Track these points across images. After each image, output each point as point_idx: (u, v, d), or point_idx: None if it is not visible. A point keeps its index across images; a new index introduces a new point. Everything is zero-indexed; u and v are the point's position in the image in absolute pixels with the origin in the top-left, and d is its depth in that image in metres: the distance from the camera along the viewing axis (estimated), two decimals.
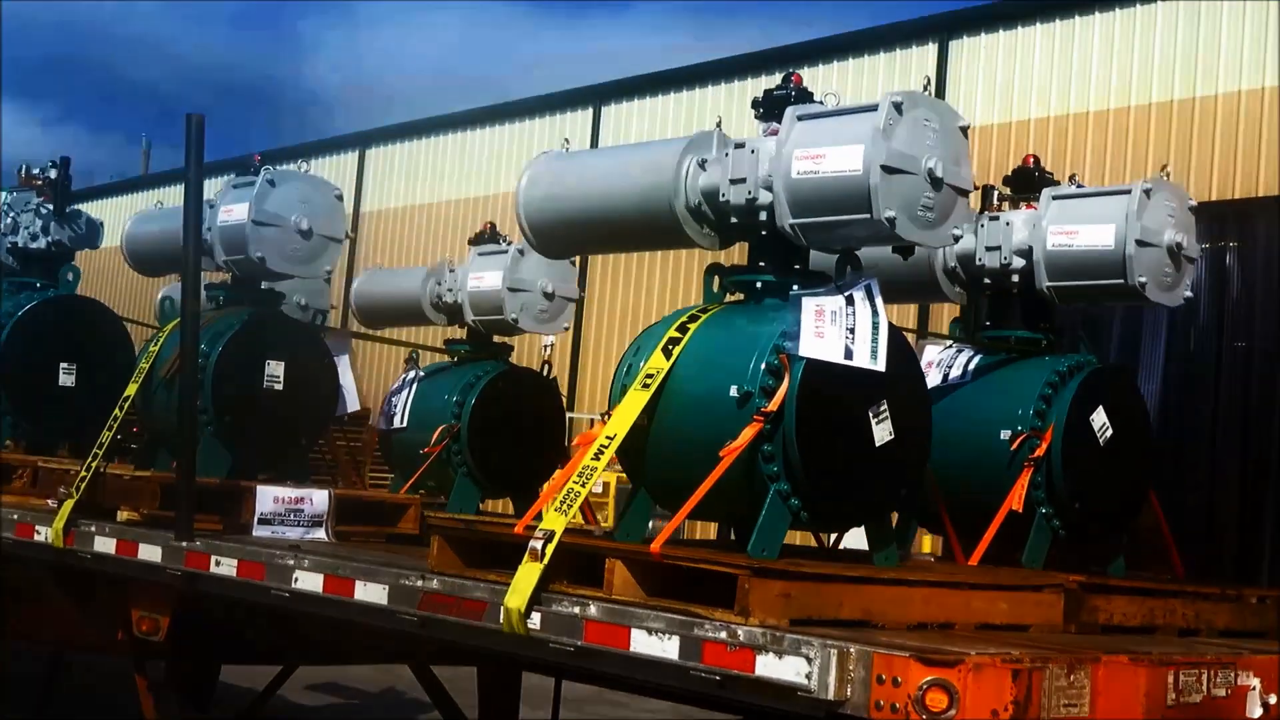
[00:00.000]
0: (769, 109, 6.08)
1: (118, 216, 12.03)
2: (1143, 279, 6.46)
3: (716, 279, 6.20)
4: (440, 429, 9.01)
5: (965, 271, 7.11)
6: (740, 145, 5.91)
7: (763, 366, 5.52)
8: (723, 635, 4.75)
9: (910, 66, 22.09)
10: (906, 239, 5.48)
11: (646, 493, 5.99)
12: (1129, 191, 6.52)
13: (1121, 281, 6.47)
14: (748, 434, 5.41)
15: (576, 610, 5.22)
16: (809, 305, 5.59)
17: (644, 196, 6.11)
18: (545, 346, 9.73)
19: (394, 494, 8.83)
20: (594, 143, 26.36)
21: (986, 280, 7.06)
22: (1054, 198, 6.78)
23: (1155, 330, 17.12)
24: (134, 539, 7.28)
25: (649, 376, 5.78)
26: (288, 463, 8.46)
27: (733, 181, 5.89)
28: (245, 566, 6.63)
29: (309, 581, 6.29)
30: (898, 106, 5.40)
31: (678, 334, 5.87)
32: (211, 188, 7.97)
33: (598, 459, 5.61)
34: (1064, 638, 5.54)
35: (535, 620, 5.31)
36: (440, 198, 29.73)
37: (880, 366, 5.52)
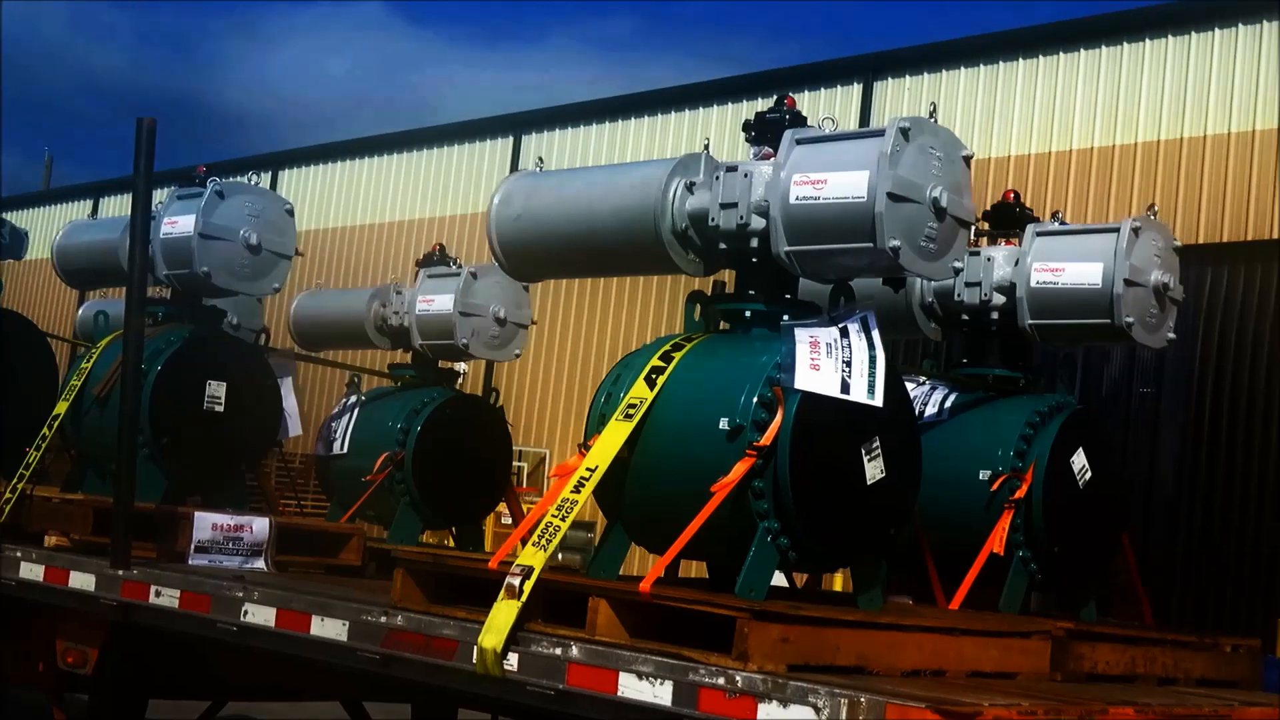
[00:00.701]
0: (761, 132, 5.86)
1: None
2: (1129, 319, 6.33)
3: (698, 307, 5.96)
4: (384, 456, 8.67)
5: (942, 307, 6.94)
6: (732, 169, 5.69)
7: (755, 399, 5.28)
8: (720, 681, 4.48)
9: (835, 104, 22.09)
10: (909, 270, 5.28)
11: (622, 528, 5.72)
12: (1117, 230, 6.39)
13: (1108, 321, 6.33)
14: (739, 469, 5.16)
15: (558, 651, 4.93)
16: (803, 336, 5.36)
17: (627, 219, 5.86)
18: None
19: (333, 523, 8.45)
20: (514, 171, 25.98)
21: (964, 316, 6.89)
22: (1038, 234, 6.64)
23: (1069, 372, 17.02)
24: (64, 566, 6.86)
25: (631, 407, 5.52)
26: (225, 489, 8.07)
27: (723, 206, 5.66)
28: (189, 598, 6.26)
29: (260, 615, 5.94)
30: (904, 133, 5.21)
31: (661, 363, 5.62)
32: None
33: (578, 491, 5.34)
34: (1057, 687, 5.35)
35: (512, 661, 5.01)
36: (354, 221, 29.24)
37: (878, 402, 5.31)
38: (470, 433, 8.94)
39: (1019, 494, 6.37)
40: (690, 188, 5.79)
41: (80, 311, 10.74)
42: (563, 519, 5.28)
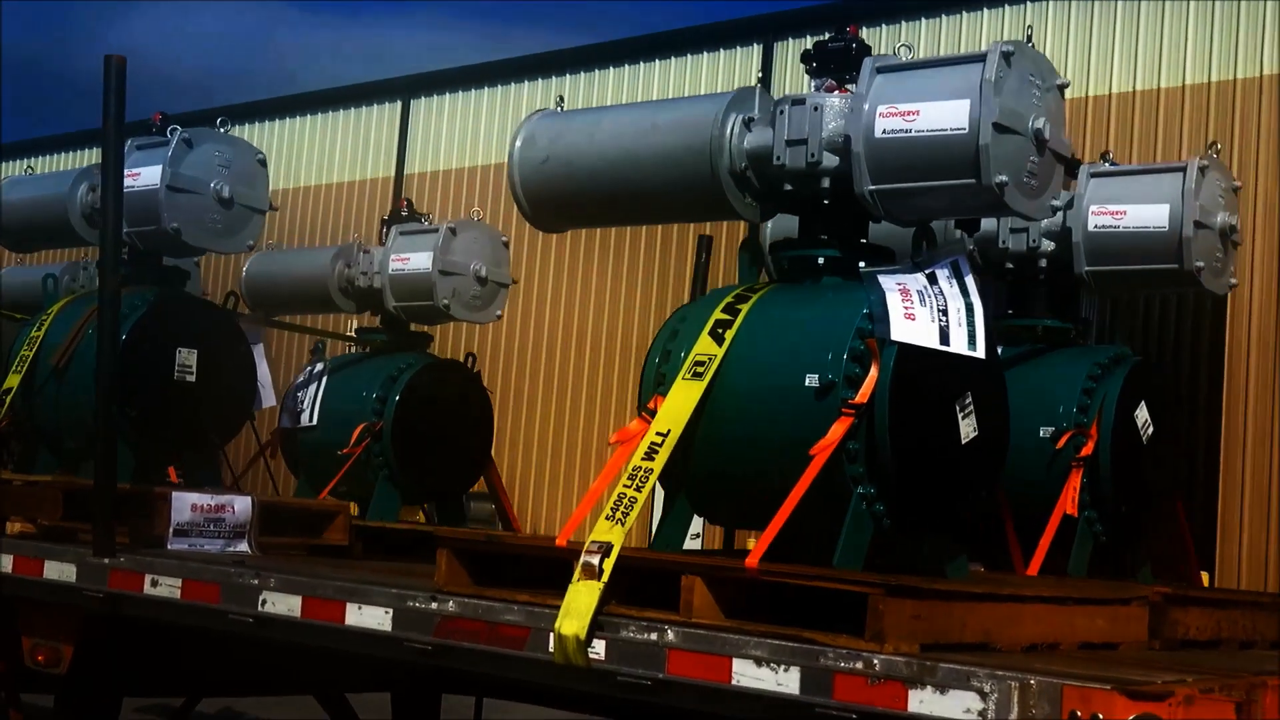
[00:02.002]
0: (824, 63, 5.37)
1: None
2: (1200, 263, 5.97)
3: (751, 255, 5.48)
4: (361, 428, 8.04)
5: (984, 256, 6.52)
6: (799, 101, 5.20)
7: (845, 353, 4.81)
8: (858, 665, 4.01)
9: (734, 67, 21.65)
10: (1012, 208, 4.82)
11: (687, 498, 5.22)
12: (1183, 169, 6.02)
13: (1176, 266, 5.96)
14: (837, 430, 4.69)
15: (652, 636, 4.42)
16: (889, 284, 4.89)
17: (678, 159, 5.35)
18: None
19: (317, 500, 7.82)
20: (402, 138, 25.09)
21: (1009, 265, 6.49)
22: (1093, 174, 6.24)
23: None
24: (37, 555, 6.18)
25: (699, 364, 5.02)
26: (197, 464, 7.40)
27: (789, 143, 5.17)
28: (194, 587, 5.63)
29: (282, 604, 5.33)
30: (1007, 57, 4.75)
31: (726, 316, 5.12)
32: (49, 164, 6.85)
33: (651, 459, 4.83)
34: (1178, 656, 4.98)
35: (598, 649, 4.49)
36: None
37: (980, 353, 4.87)
38: (450, 401, 8.35)
39: (1085, 451, 5.98)
40: (748, 124, 5.30)
41: (3, 276, 9.93)
42: (637, 489, 4.76)
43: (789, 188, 5.24)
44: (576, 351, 19.88)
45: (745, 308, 5.13)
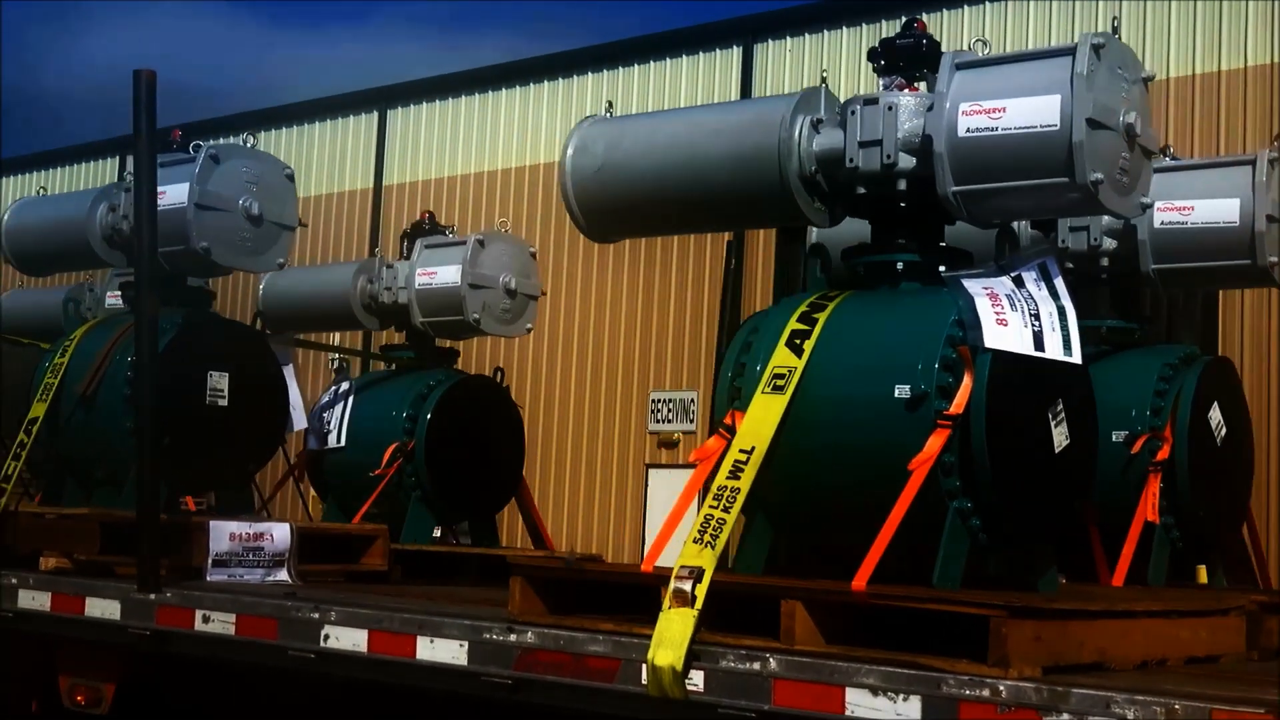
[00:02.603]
0: (892, 60, 5.18)
1: None
2: (1273, 258, 5.80)
3: (821, 262, 5.28)
4: (393, 448, 7.81)
5: None
6: (871, 101, 5.00)
7: (936, 362, 4.61)
8: (984, 693, 3.82)
9: (714, 69, 21.44)
10: (1106, 207, 4.65)
11: (766, 517, 5.01)
12: (1252, 161, 5.84)
13: (1247, 262, 5.79)
14: (935, 443, 4.50)
15: (754, 666, 4.22)
16: (975, 288, 4.70)
17: (744, 163, 5.15)
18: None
19: (355, 525, 7.58)
20: (380, 148, 24.74)
21: (1069, 264, 6.29)
22: (1155, 170, 6.05)
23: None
24: (76, 591, 5.94)
25: (779, 377, 4.83)
26: (230, 492, 7.15)
27: (863, 144, 4.98)
28: (249, 623, 5.40)
29: (346, 638, 5.11)
30: (1097, 50, 4.57)
31: (803, 326, 4.92)
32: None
33: (736, 477, 4.62)
34: None
35: (696, 680, 4.29)
36: None
37: (1076, 358, 4.69)
38: (482, 417, 8.14)
39: (1161, 455, 5.80)
40: (816, 125, 5.11)
41: (4, 301, 9.66)
42: (725, 510, 4.56)
43: (862, 191, 5.04)
44: (594, 362, 19.40)
45: (822, 316, 4.94)
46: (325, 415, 8.21)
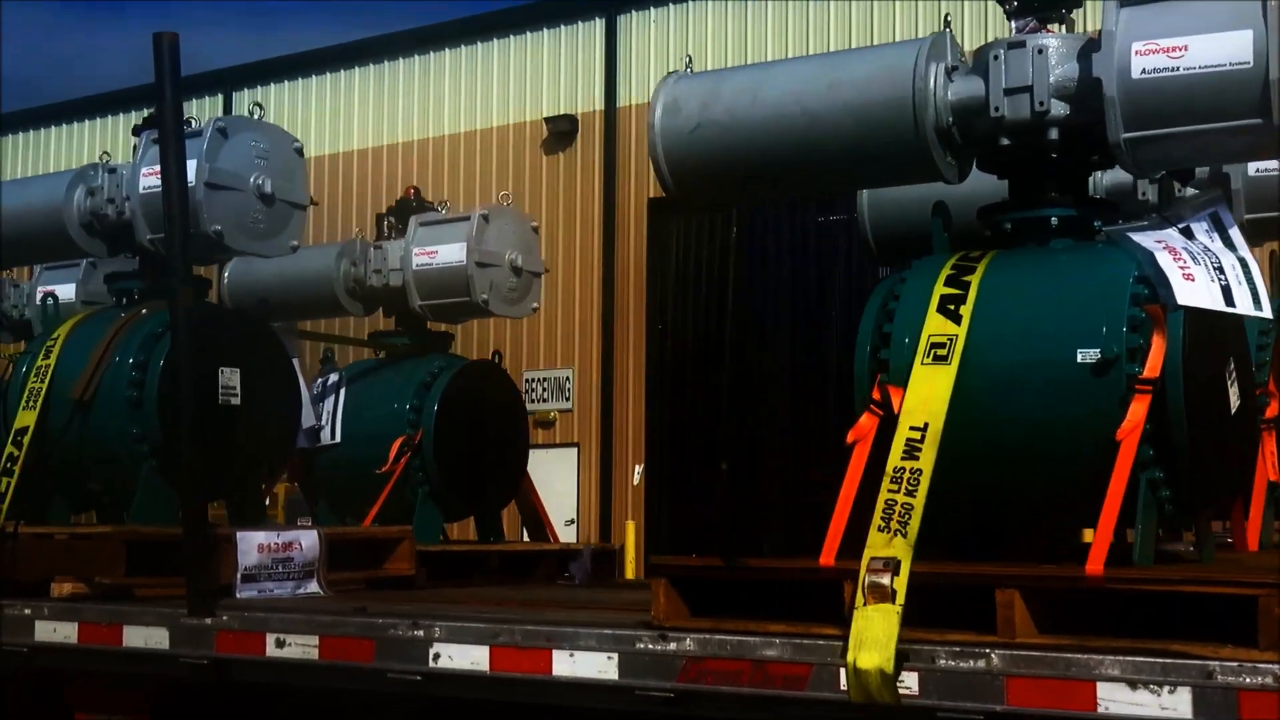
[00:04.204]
0: (1028, 1, 4.79)
1: None
2: None
3: (943, 221, 4.89)
4: (399, 441, 7.22)
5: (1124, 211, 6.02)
6: (1017, 44, 4.62)
7: (1123, 323, 4.25)
8: (1267, 681, 3.47)
9: (576, 41, 20.97)
10: None
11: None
12: None
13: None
14: (1139, 410, 4.13)
15: (978, 664, 3.81)
16: (1148, 242, 4.35)
17: (873, 117, 4.73)
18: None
19: (381, 528, 6.96)
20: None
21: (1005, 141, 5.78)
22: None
23: None
24: (111, 620, 5.27)
25: (938, 346, 4.42)
26: (244, 500, 6.50)
27: (1008, 91, 4.60)
28: (337, 645, 4.81)
29: (462, 656, 4.57)
30: None
31: (955, 290, 4.52)
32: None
33: (914, 457, 4.22)
34: None
35: (909, 682, 3.87)
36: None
37: (1267, 313, 4.36)
38: (489, 406, 7.60)
39: (1270, 412, 5.54)
40: (949, 73, 4.70)
41: None
42: (908, 494, 4.15)
43: (1005, 142, 4.66)
44: (463, 340, 18.75)
45: (974, 279, 4.54)
46: (315, 410, 7.57)
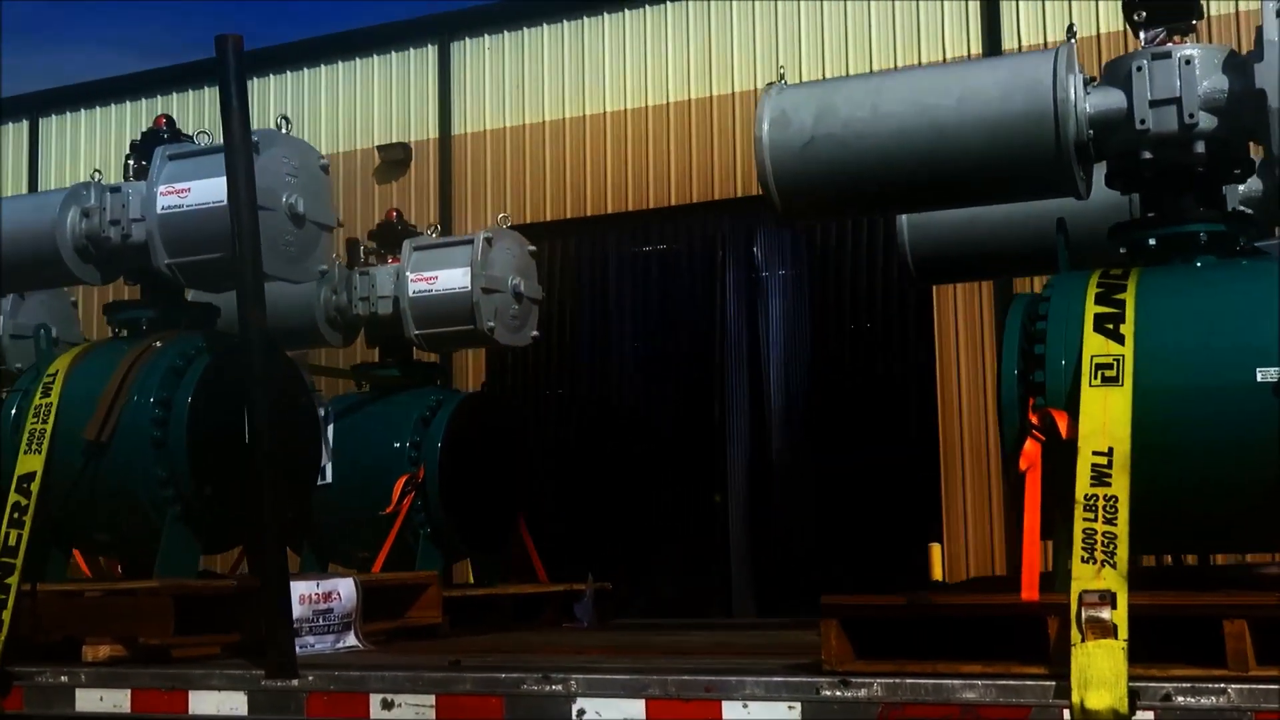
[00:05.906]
0: (1155, 13, 4.67)
1: None
2: None
3: (1064, 237, 4.73)
4: (403, 480, 6.78)
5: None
6: (1161, 55, 4.49)
7: None
8: None
9: (409, 68, 20.56)
10: None
11: None
12: None
13: None
14: None
15: (1216, 700, 3.63)
16: None
17: (1008, 129, 4.56)
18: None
19: (411, 574, 6.50)
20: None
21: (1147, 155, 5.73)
22: None
23: None
24: (173, 685, 4.76)
25: (1105, 367, 4.25)
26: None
27: (1154, 103, 4.47)
28: (458, 704, 4.39)
29: (611, 710, 4.21)
30: None
31: (1110, 309, 4.36)
32: None
33: (1104, 483, 4.03)
34: None
35: None
36: None
37: None
38: (492, 441, 7.20)
39: None
40: (1087, 85, 4.56)
41: None
42: (1108, 521, 3.96)
43: (1147, 155, 4.53)
44: None
45: (1129, 297, 4.38)
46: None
